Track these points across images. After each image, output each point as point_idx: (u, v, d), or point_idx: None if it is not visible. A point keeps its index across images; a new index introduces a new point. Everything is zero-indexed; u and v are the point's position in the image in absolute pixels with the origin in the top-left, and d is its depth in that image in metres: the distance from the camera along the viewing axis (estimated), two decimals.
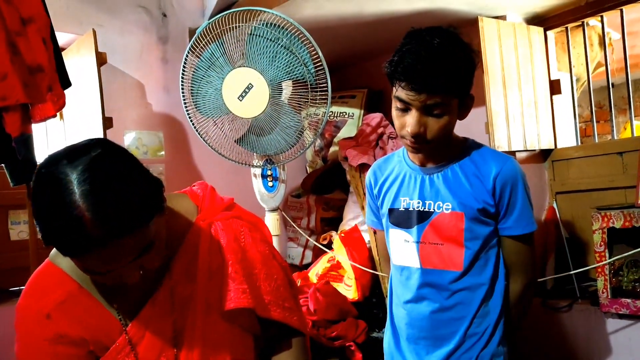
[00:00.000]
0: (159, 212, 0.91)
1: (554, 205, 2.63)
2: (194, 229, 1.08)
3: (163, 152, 2.90)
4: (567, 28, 2.64)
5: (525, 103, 2.50)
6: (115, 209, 0.83)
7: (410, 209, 1.45)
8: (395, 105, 1.34)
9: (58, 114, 2.07)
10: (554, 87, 2.62)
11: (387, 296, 2.50)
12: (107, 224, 0.82)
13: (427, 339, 1.45)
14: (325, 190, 3.20)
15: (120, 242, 0.84)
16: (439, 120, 1.31)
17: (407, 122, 1.32)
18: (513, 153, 2.49)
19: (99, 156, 0.85)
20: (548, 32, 2.65)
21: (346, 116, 3.23)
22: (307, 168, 3.40)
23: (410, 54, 1.26)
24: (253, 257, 1.11)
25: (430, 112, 1.30)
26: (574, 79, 2.73)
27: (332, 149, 3.21)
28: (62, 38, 2.50)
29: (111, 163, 0.87)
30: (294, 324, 1.13)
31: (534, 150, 2.60)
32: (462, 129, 1.43)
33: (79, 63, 2.42)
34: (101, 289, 1.01)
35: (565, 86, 2.66)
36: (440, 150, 1.41)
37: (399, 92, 1.31)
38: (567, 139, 2.71)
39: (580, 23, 2.59)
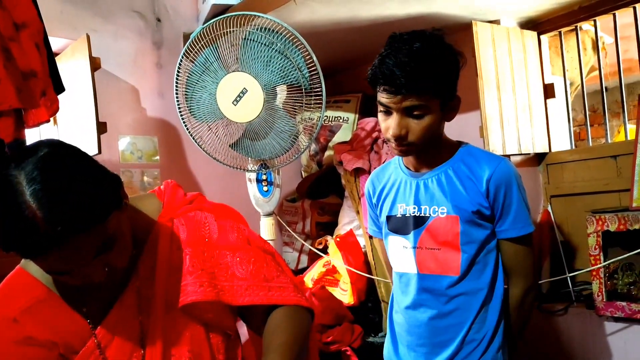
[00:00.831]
0: (116, 208, 0.89)
1: (549, 208, 2.63)
2: (156, 227, 1.06)
3: (158, 157, 2.89)
4: (560, 32, 2.65)
5: (519, 107, 2.51)
6: (68, 206, 0.80)
7: (407, 214, 1.45)
8: (379, 109, 1.36)
9: (52, 119, 2.06)
10: (548, 91, 2.63)
11: (383, 301, 2.51)
12: (60, 223, 0.79)
13: (426, 346, 1.43)
14: (320, 195, 3.20)
15: (76, 240, 0.82)
16: (420, 121, 1.31)
17: (389, 125, 1.33)
18: (507, 157, 2.49)
19: (48, 155, 0.83)
20: (542, 37, 2.66)
21: (341, 120, 3.23)
22: (302, 172, 3.40)
23: (388, 58, 1.28)
24: (221, 244, 1.06)
25: (410, 113, 1.30)
26: (568, 82, 2.74)
27: (327, 153, 3.21)
28: (56, 43, 2.49)
29: (61, 161, 0.84)
30: (288, 301, 1.05)
31: (529, 154, 2.61)
32: (456, 133, 1.43)
33: (72, 68, 2.42)
34: (70, 292, 0.99)
35: (559, 90, 2.67)
36: (431, 153, 1.42)
37: (379, 95, 1.33)
38: (562, 142, 2.72)
39: (574, 27, 2.61)
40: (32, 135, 2.20)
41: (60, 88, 2.07)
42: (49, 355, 0.97)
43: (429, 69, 1.26)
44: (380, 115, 1.37)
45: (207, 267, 1.03)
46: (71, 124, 2.53)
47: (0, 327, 0.96)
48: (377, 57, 1.33)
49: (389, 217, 1.50)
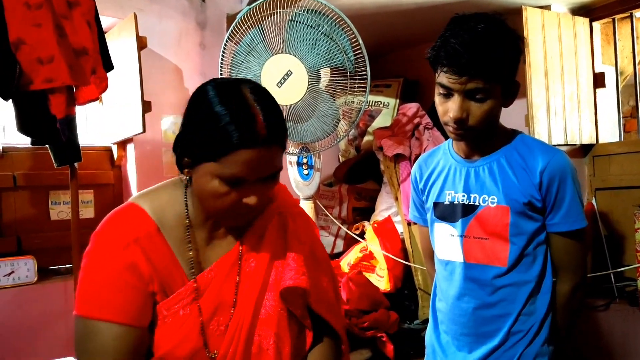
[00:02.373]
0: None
1: (593, 201, 2.57)
2: (268, 211, 1.14)
3: None
4: (614, 19, 2.56)
5: (567, 96, 2.44)
6: (279, 119, 0.98)
7: (455, 202, 1.41)
8: (438, 91, 1.32)
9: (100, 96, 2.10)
10: (598, 80, 2.56)
11: (419, 289, 2.50)
12: (272, 128, 0.95)
13: (470, 336, 1.41)
14: (357, 180, 3.19)
15: (275, 149, 0.97)
16: (482, 105, 1.27)
17: (450, 107, 1.29)
18: None
19: (255, 83, 1.02)
20: (594, 23, 2.58)
21: (381, 105, 3.20)
22: (340, 157, 3.40)
23: (453, 38, 1.24)
24: (312, 252, 1.16)
25: (472, 96, 1.27)
26: (619, 72, 2.65)
27: (366, 138, 3.19)
28: (104, 22, 2.52)
29: (265, 90, 1.02)
30: (337, 328, 1.16)
31: (575, 144, 2.54)
32: (501, 120, 1.40)
33: (119, 47, 2.45)
34: (176, 237, 1.05)
35: (609, 79, 2.59)
36: (485, 140, 1.38)
37: (441, 77, 1.28)
38: (609, 134, 2.64)
39: (629, 14, 2.51)
40: (78, 113, 2.24)
41: (109, 66, 2.11)
42: (146, 289, 1.00)
43: (494, 52, 1.23)
44: (439, 98, 1.33)
45: (307, 265, 1.12)
46: (116, 102, 2.57)
47: (111, 251, 0.99)
48: (439, 37, 1.28)
49: (436, 204, 1.47)
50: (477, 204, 1.38)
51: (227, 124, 0.93)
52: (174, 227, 1.05)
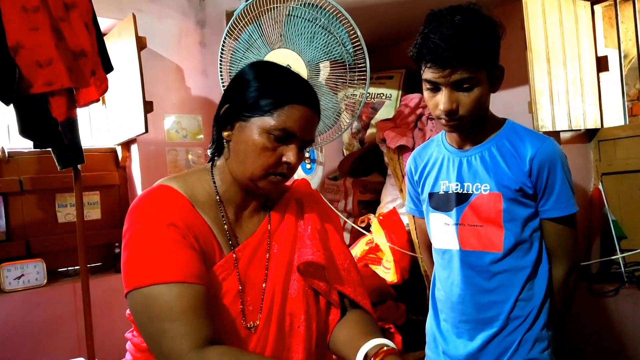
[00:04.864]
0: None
1: (600, 186, 2.55)
2: (285, 197, 1.21)
3: (202, 136, 2.93)
4: (616, 1, 2.53)
5: (570, 81, 2.42)
6: (317, 98, 1.10)
7: (449, 191, 1.45)
8: (425, 87, 1.36)
9: (100, 98, 2.11)
10: (601, 64, 2.53)
11: (426, 278, 2.50)
12: (316, 98, 1.09)
13: (469, 322, 1.43)
14: (362, 173, 3.19)
15: (316, 117, 1.09)
16: (470, 94, 1.31)
17: (439, 100, 1.32)
18: (557, 133, 2.42)
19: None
20: (595, 7, 2.55)
21: (383, 97, 3.19)
22: (344, 150, 3.39)
23: (432, 33, 1.27)
24: (331, 238, 1.21)
25: (459, 87, 1.30)
26: (622, 55, 2.62)
27: (369, 131, 3.19)
28: (103, 23, 2.54)
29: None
30: (366, 308, 1.17)
31: (579, 130, 2.52)
32: (504, 108, 1.41)
33: (119, 48, 2.46)
34: (208, 211, 1.09)
35: (612, 63, 2.56)
36: (476, 130, 1.41)
37: (426, 73, 1.32)
38: (614, 118, 2.61)
39: None
40: (81, 115, 2.26)
41: (109, 67, 2.12)
42: (193, 246, 1.02)
43: (474, 41, 1.26)
44: (427, 93, 1.36)
45: (323, 245, 1.16)
46: (118, 103, 2.59)
47: (153, 224, 1.00)
48: (418, 34, 1.32)
49: (431, 194, 1.50)
50: (470, 192, 1.41)
51: (284, 81, 1.06)
52: (205, 203, 1.09)
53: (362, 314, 1.16)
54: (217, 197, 1.11)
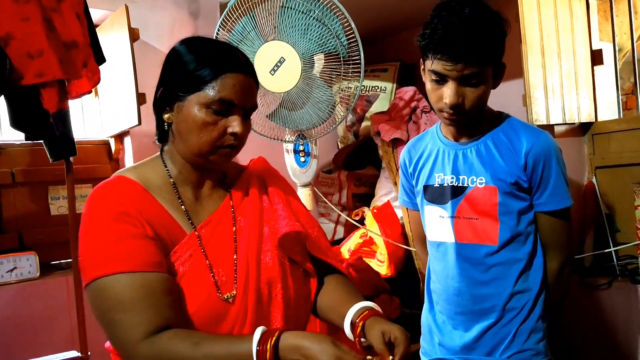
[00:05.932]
0: None
1: (594, 180, 2.55)
2: (245, 174, 1.23)
3: None
4: None
5: (564, 74, 2.41)
6: (250, 62, 1.11)
7: (445, 184, 1.45)
8: (430, 78, 1.33)
9: (93, 90, 2.10)
10: (596, 58, 2.52)
11: (420, 272, 2.50)
12: (248, 61, 1.10)
13: (465, 314, 1.44)
14: (356, 166, 3.18)
15: (252, 81, 1.08)
16: (476, 89, 1.30)
17: (445, 93, 1.31)
18: (552, 126, 2.42)
19: None
20: (590, 0, 2.54)
21: (378, 90, 3.18)
22: (339, 143, 3.38)
23: (442, 25, 1.25)
24: (297, 209, 1.24)
25: (467, 82, 1.29)
26: (617, 48, 2.62)
27: (364, 124, 3.18)
28: (95, 14, 2.51)
29: None
30: (342, 270, 1.23)
31: (574, 123, 2.52)
32: (499, 102, 1.41)
33: (112, 39, 2.44)
34: (164, 195, 1.10)
35: (607, 56, 2.56)
36: (473, 123, 1.40)
37: (435, 64, 1.29)
38: (608, 111, 2.61)
39: None
40: (74, 106, 2.24)
41: (101, 59, 2.10)
42: (143, 233, 1.02)
43: (485, 36, 1.25)
44: (431, 84, 1.34)
45: (295, 215, 1.19)
46: (111, 95, 2.57)
47: (106, 221, 1.01)
48: (426, 25, 1.30)
49: (425, 187, 1.50)
50: (466, 185, 1.41)
51: (213, 53, 1.06)
52: (160, 188, 1.10)
53: (340, 278, 1.22)
54: (171, 180, 1.12)
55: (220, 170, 1.19)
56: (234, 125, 1.05)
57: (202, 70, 1.03)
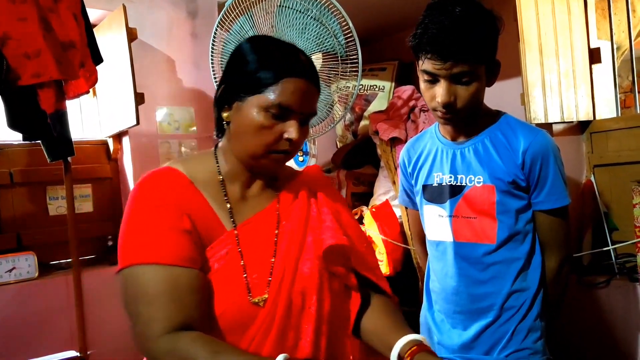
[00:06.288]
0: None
1: (592, 178, 2.55)
2: (297, 181, 1.20)
3: (195, 128, 2.92)
4: None
5: (562, 73, 2.41)
6: (314, 68, 1.09)
7: (443, 183, 1.45)
8: (423, 78, 1.34)
9: (91, 90, 2.10)
10: (594, 56, 2.52)
11: (419, 270, 2.50)
12: (312, 67, 1.07)
13: (463, 313, 1.44)
14: (355, 165, 3.18)
15: (313, 88, 1.06)
16: (468, 88, 1.30)
17: (437, 93, 1.31)
18: (550, 125, 2.42)
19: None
20: None
21: (376, 89, 3.18)
22: (337, 143, 3.38)
23: (433, 24, 1.26)
24: (347, 222, 1.19)
25: (458, 80, 1.29)
26: (615, 47, 2.62)
27: (363, 123, 3.18)
28: (93, 14, 2.51)
29: None
30: (387, 290, 1.18)
31: (572, 121, 2.52)
32: (496, 100, 1.40)
33: (110, 39, 2.44)
34: (210, 190, 1.10)
35: (605, 55, 2.55)
36: (471, 122, 1.40)
37: (426, 64, 1.30)
38: (607, 110, 2.61)
39: None
40: (72, 107, 2.24)
41: (98, 59, 2.10)
42: (185, 229, 1.02)
43: (475, 34, 1.24)
44: (425, 84, 1.34)
45: (342, 229, 1.15)
46: (109, 95, 2.57)
47: (145, 211, 1.02)
48: (418, 25, 1.31)
49: (424, 187, 1.50)
50: (464, 184, 1.41)
51: (275, 56, 1.04)
52: (208, 183, 1.09)
53: (386, 302, 1.17)
54: (220, 177, 1.11)
55: (271, 174, 1.17)
56: (291, 131, 1.04)
57: (265, 72, 1.02)
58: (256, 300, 1.04)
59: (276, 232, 1.11)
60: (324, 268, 1.10)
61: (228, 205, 1.09)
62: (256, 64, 1.04)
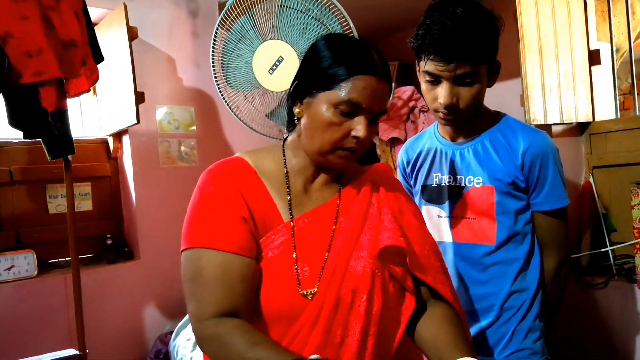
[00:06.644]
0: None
1: (591, 180, 2.56)
2: (363, 176, 1.19)
3: (194, 127, 2.92)
4: None
5: (562, 74, 2.42)
6: (386, 65, 1.09)
7: (442, 184, 1.45)
8: (425, 79, 1.34)
9: (91, 88, 2.10)
10: (593, 58, 2.53)
11: None
12: (385, 65, 1.07)
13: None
14: None
15: (385, 86, 1.06)
16: (471, 88, 1.30)
17: (439, 94, 1.31)
18: (549, 126, 2.42)
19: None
20: (588, 0, 2.55)
21: None
22: None
23: (435, 25, 1.26)
24: (409, 222, 1.17)
25: (461, 81, 1.29)
26: (614, 49, 2.63)
27: None
28: (94, 13, 2.52)
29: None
30: (446, 296, 1.13)
31: (571, 123, 2.53)
32: (496, 101, 1.41)
33: (110, 38, 2.44)
34: (274, 181, 1.12)
35: (604, 56, 2.56)
36: (470, 123, 1.40)
37: (428, 65, 1.30)
38: (606, 111, 2.62)
39: None
40: (72, 105, 2.24)
41: (99, 57, 2.10)
42: (246, 219, 1.05)
43: (477, 34, 1.24)
44: (426, 85, 1.34)
45: (401, 229, 1.13)
46: (110, 94, 2.57)
47: (215, 190, 1.06)
48: (419, 26, 1.30)
49: (423, 187, 1.51)
50: (463, 185, 1.41)
51: (348, 53, 1.04)
52: (272, 174, 1.12)
53: (447, 311, 1.12)
54: (285, 169, 1.13)
55: (337, 171, 1.16)
56: (359, 128, 1.03)
57: (336, 69, 1.03)
58: (305, 293, 1.05)
59: (333, 227, 1.11)
60: (378, 268, 1.08)
61: (288, 198, 1.11)
62: (330, 60, 1.04)
